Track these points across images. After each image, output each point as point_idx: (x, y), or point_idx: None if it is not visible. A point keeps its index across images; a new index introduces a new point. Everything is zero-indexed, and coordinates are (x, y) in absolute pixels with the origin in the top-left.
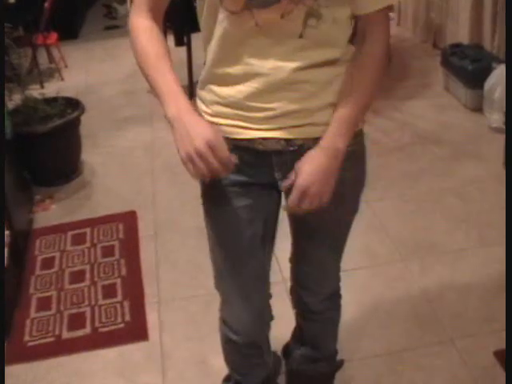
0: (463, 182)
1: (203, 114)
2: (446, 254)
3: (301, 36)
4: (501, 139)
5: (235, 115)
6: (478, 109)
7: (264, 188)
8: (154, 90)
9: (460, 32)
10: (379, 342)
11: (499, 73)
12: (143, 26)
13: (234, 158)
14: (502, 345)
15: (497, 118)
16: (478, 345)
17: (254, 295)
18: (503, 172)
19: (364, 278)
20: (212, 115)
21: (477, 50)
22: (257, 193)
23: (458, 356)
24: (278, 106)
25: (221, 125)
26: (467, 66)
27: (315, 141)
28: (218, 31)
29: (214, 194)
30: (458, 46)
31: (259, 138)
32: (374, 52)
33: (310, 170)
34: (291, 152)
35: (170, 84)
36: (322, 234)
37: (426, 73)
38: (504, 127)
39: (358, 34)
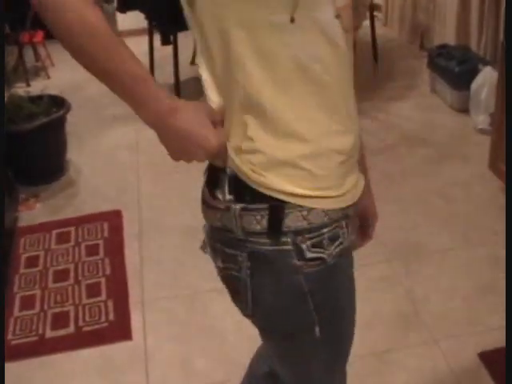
0: (448, 183)
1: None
2: (431, 255)
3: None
4: (486, 141)
5: (349, 172)
6: (464, 110)
7: None
8: (115, 82)
9: (447, 33)
10: (363, 342)
11: (485, 74)
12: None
13: None
14: (486, 346)
15: (483, 120)
16: (462, 346)
17: None
18: (488, 173)
19: None
20: (339, 190)
21: (463, 51)
22: None
23: (442, 357)
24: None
25: (344, 195)
26: (453, 68)
27: None
28: (335, 51)
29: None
30: (444, 47)
31: None
32: None
33: (372, 202)
34: None
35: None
36: None
37: (413, 74)
38: (489, 128)
39: None
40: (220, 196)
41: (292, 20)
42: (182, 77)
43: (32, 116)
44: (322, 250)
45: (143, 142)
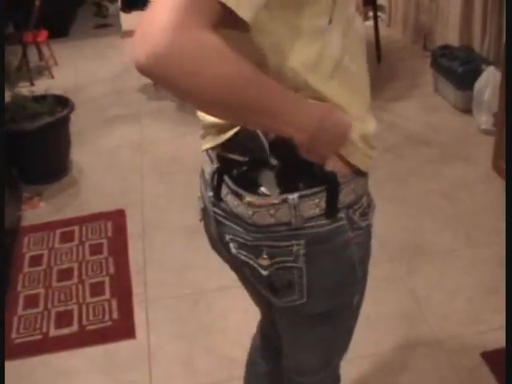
0: (451, 183)
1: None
2: (434, 255)
3: None
4: (489, 141)
5: None
6: (467, 110)
7: None
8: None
9: (450, 34)
10: (366, 342)
11: (489, 75)
12: (222, 44)
13: None
14: (489, 346)
15: (486, 120)
16: (465, 346)
17: None
18: (491, 173)
19: None
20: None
21: (466, 51)
22: None
23: (445, 357)
24: None
25: None
26: (457, 68)
27: None
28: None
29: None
30: (447, 47)
31: None
32: None
33: None
34: None
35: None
36: None
37: (416, 74)
38: (493, 129)
39: None
40: (268, 192)
41: (330, 21)
42: None
43: (36, 115)
44: (366, 218)
45: (146, 142)
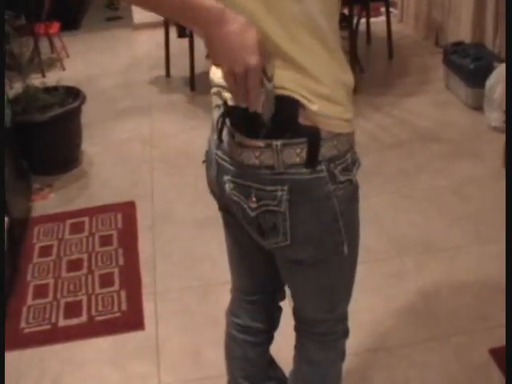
0: (461, 179)
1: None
2: (443, 251)
3: None
4: (500, 138)
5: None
6: (478, 107)
7: None
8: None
9: (462, 30)
10: (374, 337)
11: (500, 72)
12: None
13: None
14: (497, 342)
15: (496, 117)
16: (473, 342)
17: None
18: (501, 171)
19: (360, 273)
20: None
21: (478, 48)
22: None
23: (453, 353)
24: None
25: None
26: (468, 65)
27: None
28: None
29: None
30: (459, 44)
31: None
32: None
33: None
34: None
35: None
36: None
37: (427, 70)
38: (504, 126)
39: None
40: (257, 135)
41: None
42: (198, 70)
43: (47, 107)
44: (349, 173)
45: (156, 134)
